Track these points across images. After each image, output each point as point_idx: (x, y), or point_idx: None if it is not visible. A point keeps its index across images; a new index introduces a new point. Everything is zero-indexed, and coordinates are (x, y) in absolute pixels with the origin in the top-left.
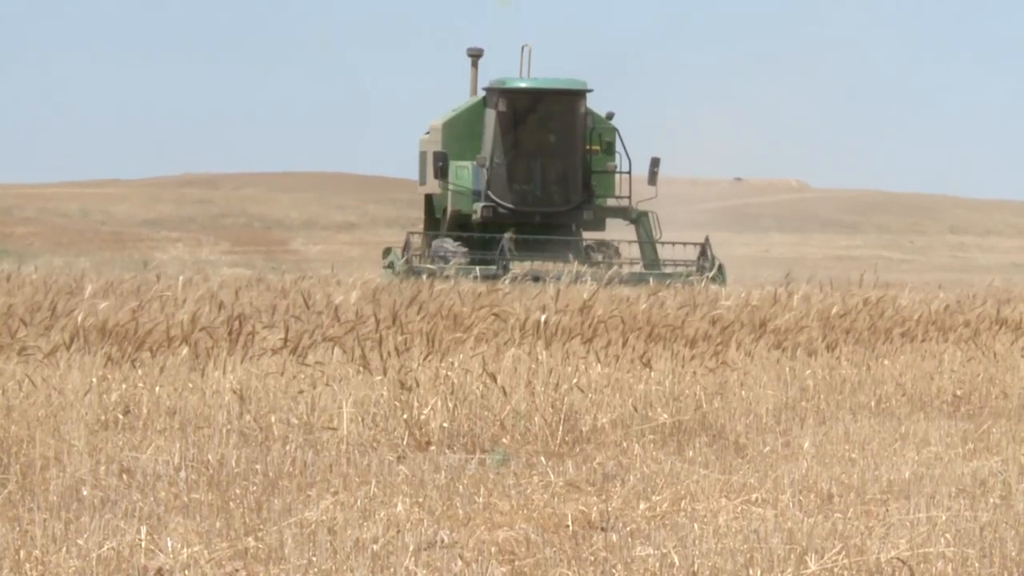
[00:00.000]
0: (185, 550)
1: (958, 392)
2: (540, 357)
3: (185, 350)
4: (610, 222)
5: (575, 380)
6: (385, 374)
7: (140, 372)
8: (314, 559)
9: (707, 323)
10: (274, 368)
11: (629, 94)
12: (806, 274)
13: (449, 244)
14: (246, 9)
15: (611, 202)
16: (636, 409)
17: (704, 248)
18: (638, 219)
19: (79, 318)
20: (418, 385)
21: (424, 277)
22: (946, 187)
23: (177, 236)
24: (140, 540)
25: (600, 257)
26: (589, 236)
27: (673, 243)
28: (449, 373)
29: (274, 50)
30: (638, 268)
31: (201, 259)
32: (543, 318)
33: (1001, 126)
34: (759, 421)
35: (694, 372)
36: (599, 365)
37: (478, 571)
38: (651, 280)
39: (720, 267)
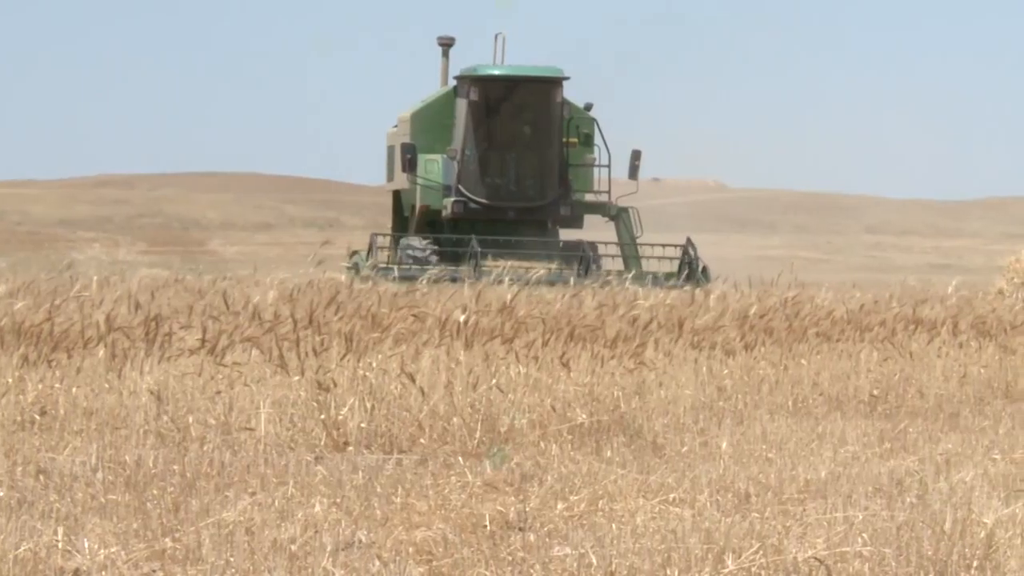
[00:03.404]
0: (102, 551)
1: (875, 392)
2: (460, 357)
3: (102, 350)
4: (588, 218)
5: (494, 380)
6: (303, 374)
7: (57, 373)
8: (232, 560)
9: (626, 323)
10: (192, 369)
11: (598, 86)
12: (725, 274)
13: (417, 244)
14: (158, 12)
15: (589, 197)
16: (555, 409)
17: (686, 249)
18: (618, 215)
19: None
20: (336, 385)
21: (389, 279)
22: (864, 187)
23: (94, 236)
24: (57, 541)
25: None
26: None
27: (652, 244)
28: (367, 373)
29: (187, 50)
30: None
31: (118, 259)
32: (463, 318)
33: (918, 127)
34: (677, 421)
35: (613, 372)
36: (520, 366)
37: (396, 571)
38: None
39: (704, 269)
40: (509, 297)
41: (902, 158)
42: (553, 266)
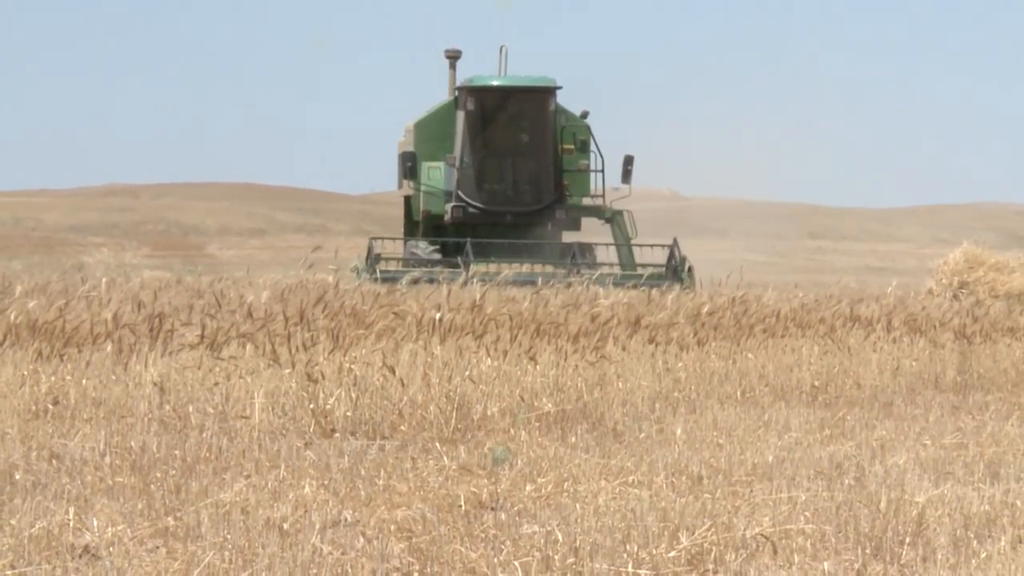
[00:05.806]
0: (110, 529)
1: (816, 383)
2: (436, 351)
3: (109, 346)
4: (586, 222)
5: (467, 373)
6: (293, 367)
7: (68, 366)
8: (229, 537)
9: (587, 320)
10: (191, 362)
11: (594, 95)
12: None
13: (422, 247)
14: (159, 36)
15: (586, 201)
16: (523, 399)
17: (672, 251)
18: (613, 218)
19: (11, 316)
20: (324, 377)
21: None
22: (806, 196)
23: (102, 241)
24: (68, 520)
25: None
26: (570, 237)
27: (641, 245)
28: (352, 366)
29: (188, 70)
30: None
31: (124, 263)
32: (438, 316)
33: (854, 140)
34: (635, 410)
35: (576, 365)
36: (490, 359)
37: (379, 547)
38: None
39: (690, 269)
40: (478, 296)
41: (841, 169)
42: (524, 268)
